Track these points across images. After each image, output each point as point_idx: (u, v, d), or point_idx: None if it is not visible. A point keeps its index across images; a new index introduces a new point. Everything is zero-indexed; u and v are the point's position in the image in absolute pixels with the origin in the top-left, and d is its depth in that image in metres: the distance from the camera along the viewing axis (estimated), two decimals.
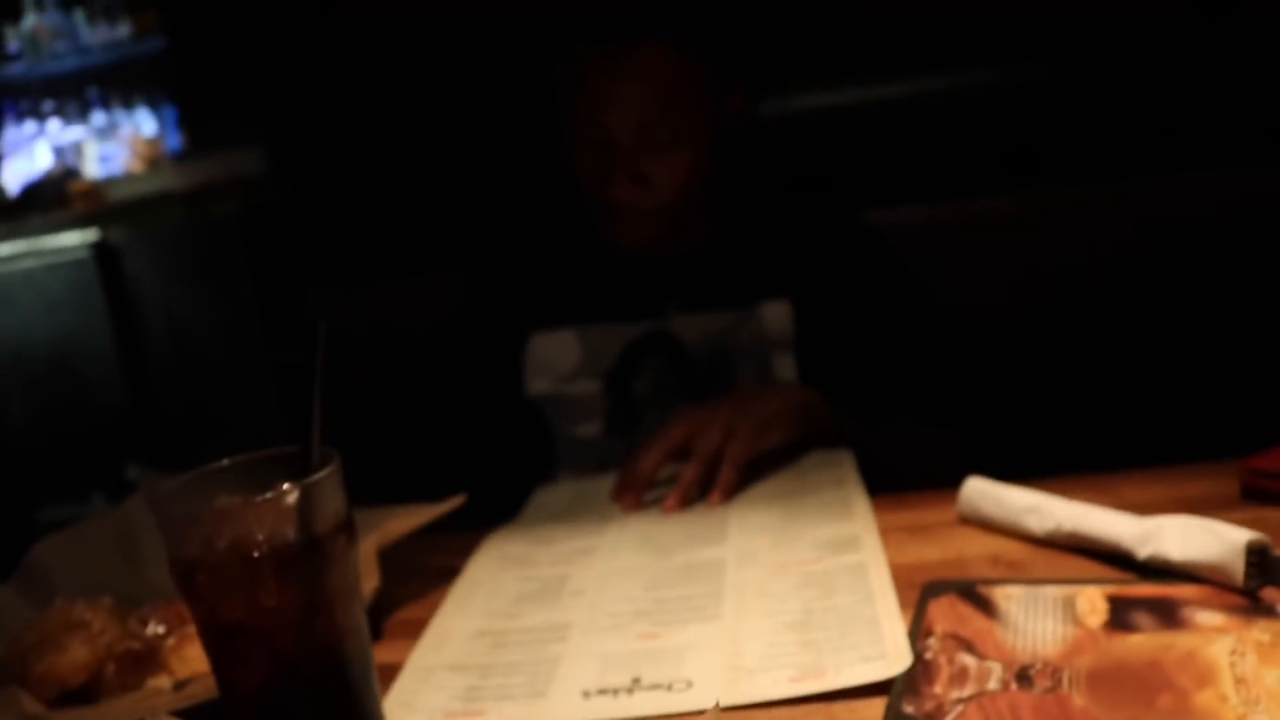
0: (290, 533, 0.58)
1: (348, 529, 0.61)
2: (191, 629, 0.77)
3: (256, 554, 0.58)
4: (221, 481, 0.63)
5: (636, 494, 1.03)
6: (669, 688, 0.68)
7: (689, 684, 0.68)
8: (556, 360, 1.26)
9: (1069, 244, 1.46)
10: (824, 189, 1.35)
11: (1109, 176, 1.55)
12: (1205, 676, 0.62)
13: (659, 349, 1.24)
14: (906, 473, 0.98)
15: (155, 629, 0.81)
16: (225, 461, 0.64)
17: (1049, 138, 2.15)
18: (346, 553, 0.61)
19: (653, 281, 1.27)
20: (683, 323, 1.24)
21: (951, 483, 0.90)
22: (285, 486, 0.59)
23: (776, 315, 1.22)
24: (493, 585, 0.89)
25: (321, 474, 0.59)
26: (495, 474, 1.20)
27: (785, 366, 1.22)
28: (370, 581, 0.82)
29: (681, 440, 1.05)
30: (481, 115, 2.50)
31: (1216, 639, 0.65)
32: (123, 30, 3.64)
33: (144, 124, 3.78)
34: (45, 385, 3.47)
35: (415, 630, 0.83)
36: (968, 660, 0.66)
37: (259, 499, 0.58)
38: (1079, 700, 0.61)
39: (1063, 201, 1.48)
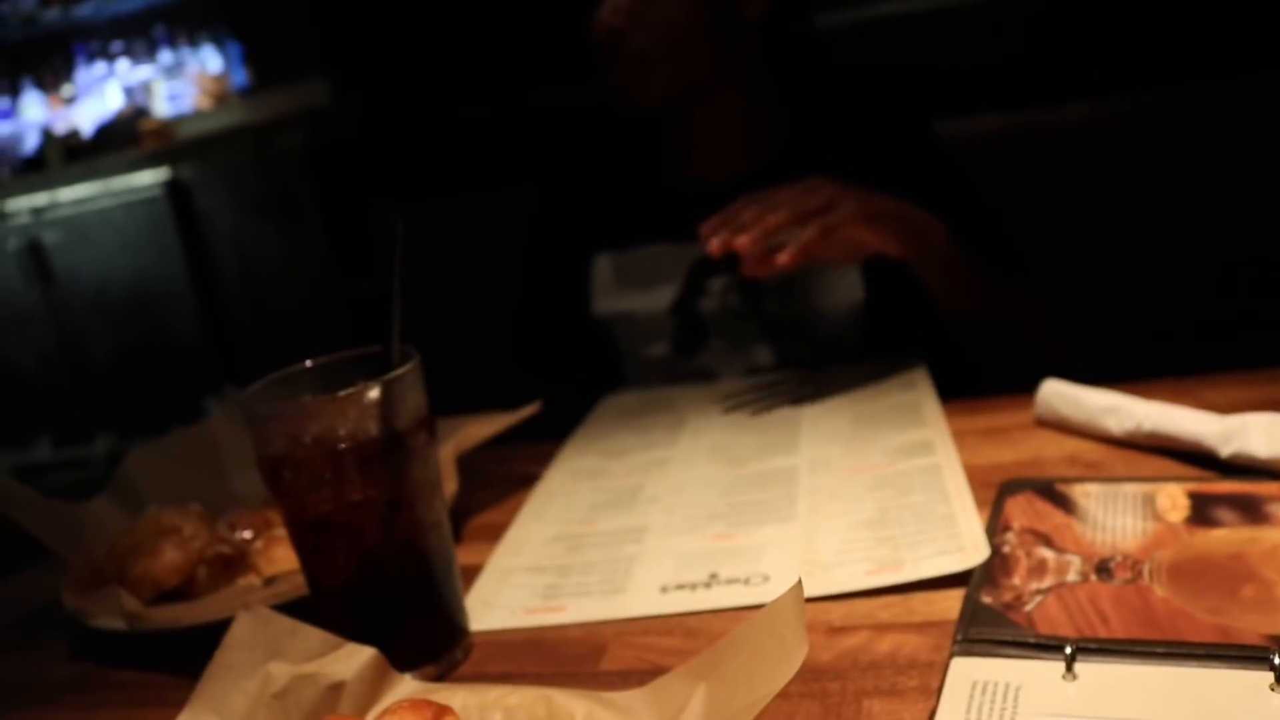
0: (373, 428, 0.60)
1: (428, 425, 0.63)
2: (278, 532, 0.80)
3: (341, 448, 0.59)
4: (305, 382, 0.65)
5: (724, 238, 0.97)
6: (746, 582, 0.69)
7: (766, 578, 0.69)
8: (622, 281, 1.26)
9: (1146, 152, 1.41)
10: (893, 96, 1.32)
11: (1188, 81, 1.49)
12: None
13: (725, 268, 1.23)
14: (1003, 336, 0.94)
15: (242, 534, 0.84)
16: (308, 363, 0.66)
17: (1125, 42, 2.08)
18: (427, 449, 0.63)
19: (715, 200, 1.25)
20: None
21: (1027, 387, 0.89)
22: (367, 383, 0.60)
23: None
24: (568, 496, 0.90)
25: (401, 370, 0.61)
26: (565, 392, 1.21)
27: (852, 279, 1.21)
28: (449, 485, 0.84)
29: (783, 201, 0.98)
30: (544, 37, 2.48)
31: None
32: None
33: (210, 61, 3.81)
34: (124, 322, 3.56)
35: (493, 534, 0.85)
36: (1046, 553, 0.66)
37: (342, 395, 0.59)
38: (1160, 591, 0.60)
39: (1140, 108, 1.44)
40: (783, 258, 0.96)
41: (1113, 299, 1.39)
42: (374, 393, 0.60)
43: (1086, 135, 1.43)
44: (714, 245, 0.97)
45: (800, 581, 0.44)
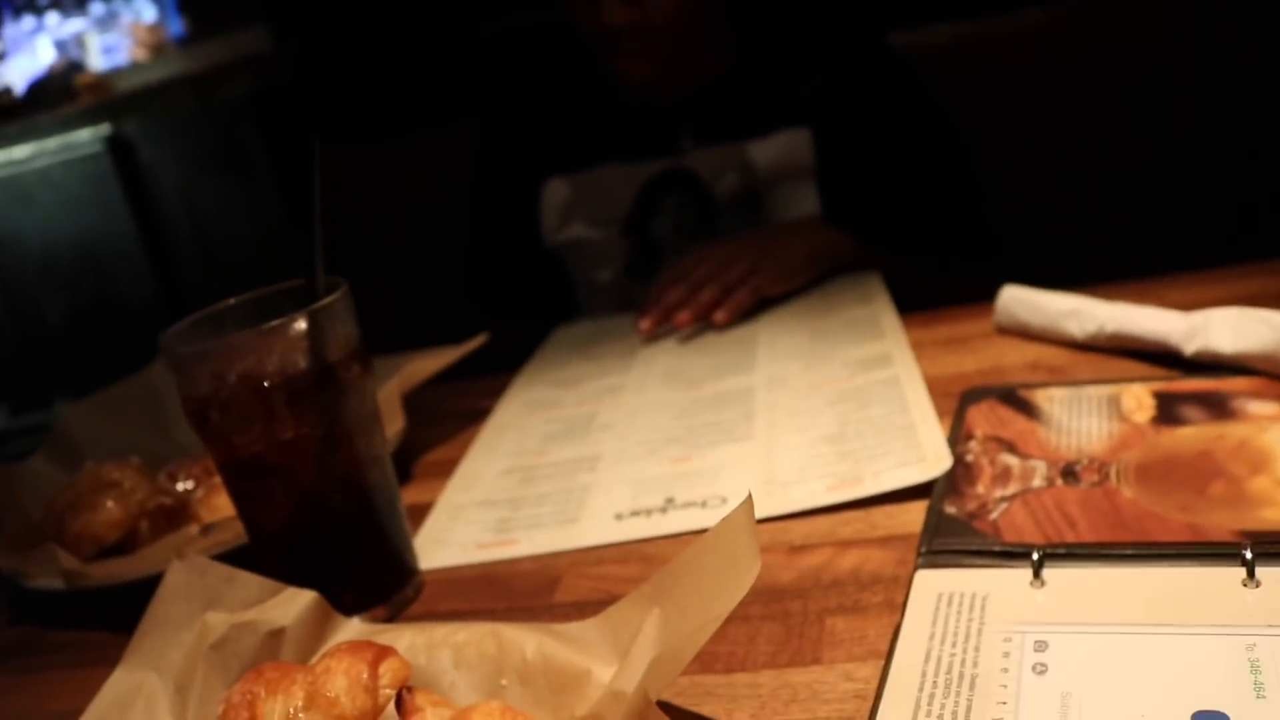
0: (301, 361, 0.57)
1: (361, 357, 0.60)
2: (219, 479, 0.77)
3: (268, 384, 0.56)
4: (230, 319, 0.62)
5: (656, 320, 1.01)
6: (703, 504, 0.67)
7: (723, 500, 0.67)
8: (571, 205, 1.23)
9: (1103, 57, 1.39)
10: (843, 9, 1.28)
11: None
12: (1259, 463, 0.59)
13: (677, 187, 1.20)
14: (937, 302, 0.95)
15: (184, 484, 0.81)
16: (231, 300, 0.62)
17: None
18: (362, 381, 0.60)
19: (666, 118, 1.22)
20: (699, 158, 1.19)
21: (986, 295, 0.87)
22: (292, 314, 0.57)
23: (797, 144, 1.17)
24: (520, 428, 0.88)
25: (328, 299, 0.57)
26: (518, 324, 1.18)
27: (808, 198, 1.18)
28: (395, 424, 0.81)
29: (704, 276, 1.02)
30: None
31: (1270, 427, 0.62)
32: None
33: (144, 11, 3.70)
34: (74, 284, 3.48)
35: (444, 471, 0.82)
36: (1010, 460, 0.64)
37: (266, 327, 0.56)
38: (1128, 492, 0.59)
39: (1097, 11, 1.40)
40: (719, 315, 1.01)
41: (1070, 206, 1.37)
42: (300, 324, 0.56)
43: (1043, 42, 1.40)
44: (645, 326, 1.02)
45: (750, 497, 0.42)
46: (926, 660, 0.47)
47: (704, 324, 1.01)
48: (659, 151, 1.21)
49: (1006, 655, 0.47)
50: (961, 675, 0.46)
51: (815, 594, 0.56)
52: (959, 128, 1.24)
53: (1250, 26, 1.34)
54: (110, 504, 0.78)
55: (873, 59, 1.25)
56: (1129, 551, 0.52)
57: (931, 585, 0.53)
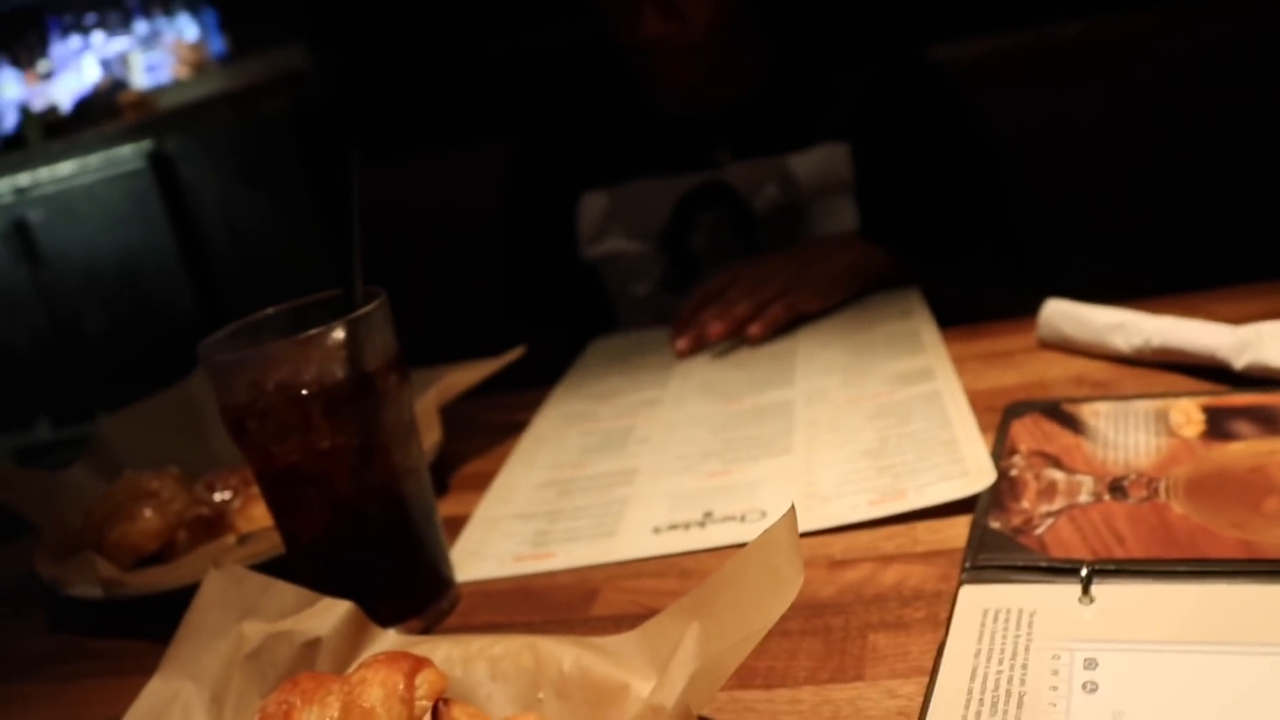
0: (339, 371, 0.56)
1: (399, 366, 0.59)
2: (256, 490, 0.77)
3: (305, 393, 0.56)
4: (269, 329, 0.62)
5: (691, 339, 1.01)
6: (742, 519, 0.66)
7: (762, 514, 0.66)
8: (608, 219, 1.22)
9: (1143, 70, 1.37)
10: (880, 22, 1.27)
11: None
12: None
13: (715, 200, 1.19)
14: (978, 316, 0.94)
15: (222, 494, 0.81)
16: (270, 310, 0.62)
17: None
18: (399, 391, 0.59)
19: (702, 131, 1.21)
20: (737, 172, 1.19)
21: (1029, 309, 0.86)
22: (330, 324, 0.57)
23: (835, 158, 1.16)
24: (557, 441, 0.87)
25: (366, 309, 0.57)
26: (555, 338, 1.18)
27: (846, 212, 1.17)
28: (432, 435, 0.80)
29: (737, 297, 1.02)
30: None
31: None
32: None
33: (186, 29, 3.75)
34: (117, 300, 3.52)
35: (480, 484, 0.82)
36: (1056, 475, 0.63)
37: (303, 336, 0.56)
38: (1179, 508, 0.57)
39: (1135, 24, 1.39)
40: (754, 329, 1.00)
41: (1112, 219, 1.35)
42: (338, 333, 0.56)
43: (1081, 55, 1.39)
44: (681, 346, 1.01)
45: (793, 509, 0.41)
46: (972, 677, 0.46)
47: (739, 339, 1.00)
48: (695, 165, 1.20)
49: (1055, 673, 0.46)
50: (1009, 693, 0.45)
51: (857, 609, 0.55)
52: (992, 136, 1.23)
53: None
54: (148, 514, 0.78)
55: (910, 72, 1.24)
56: (1181, 568, 0.51)
57: (977, 601, 0.52)
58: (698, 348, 1.01)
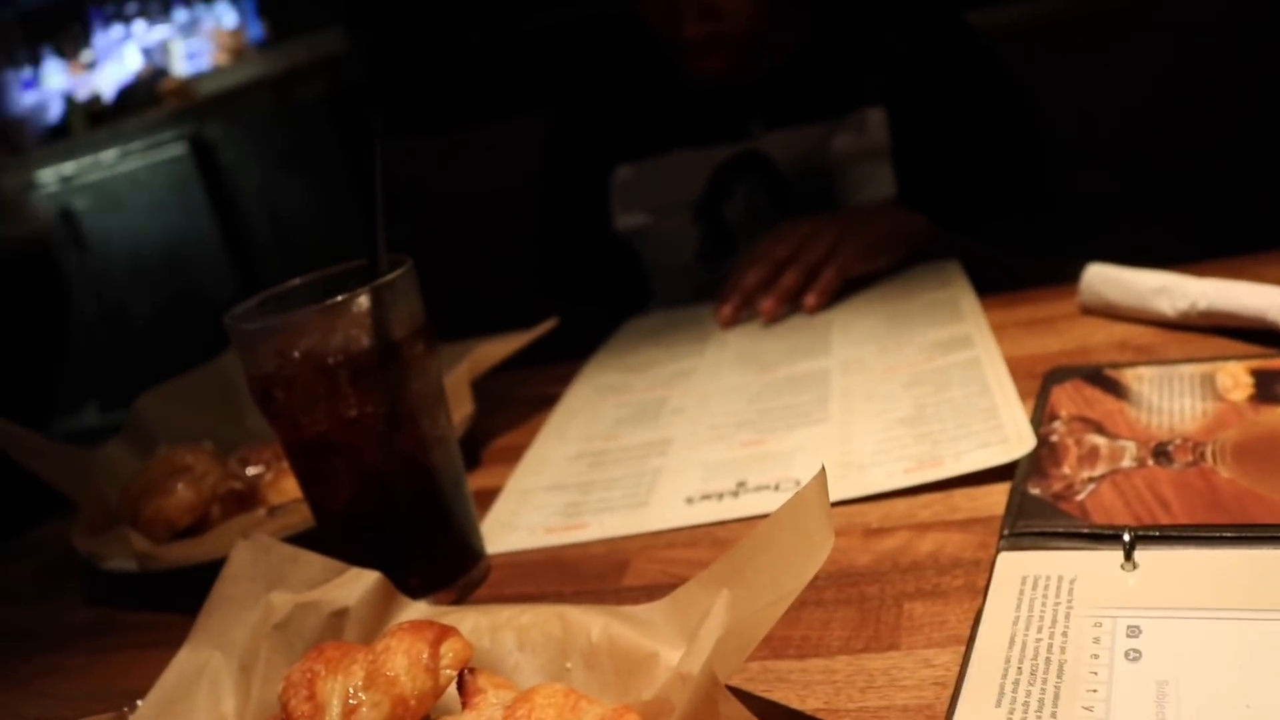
0: (365, 339, 0.56)
1: (426, 335, 0.59)
2: (287, 463, 0.77)
3: (331, 362, 0.55)
4: (296, 300, 0.61)
5: (736, 307, 1.00)
6: (776, 488, 0.65)
7: (797, 483, 0.65)
8: (642, 191, 1.21)
9: (1183, 33, 1.33)
10: None
11: None
12: None
13: (750, 170, 1.18)
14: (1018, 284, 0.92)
15: (255, 469, 0.81)
16: (296, 280, 0.62)
17: None
18: (426, 359, 0.59)
19: (736, 102, 1.20)
20: (772, 141, 1.17)
21: (1070, 276, 0.83)
22: (355, 291, 0.56)
23: (872, 124, 1.14)
24: (590, 412, 0.87)
25: (392, 276, 0.56)
26: (590, 311, 1.17)
27: (884, 178, 1.15)
28: (464, 409, 0.80)
29: (785, 255, 1.00)
30: None
31: None
32: None
33: (225, 16, 3.77)
34: (161, 285, 3.56)
35: (513, 457, 0.81)
36: (1098, 440, 0.61)
37: (327, 304, 0.55)
38: (1225, 473, 0.55)
39: None
40: (810, 300, 0.98)
41: (1154, 183, 1.32)
42: (363, 300, 0.56)
43: (1123, 18, 1.35)
44: (725, 314, 1.00)
45: (823, 470, 0.40)
46: (1011, 645, 0.45)
47: (793, 308, 0.99)
48: (729, 136, 1.19)
49: (1097, 641, 0.44)
50: (1049, 661, 0.43)
51: (893, 578, 0.54)
52: (1026, 96, 1.20)
53: None
54: (182, 488, 0.78)
55: (947, 36, 1.22)
56: (1228, 533, 0.49)
57: (1016, 568, 0.50)
58: (741, 317, 1.00)
